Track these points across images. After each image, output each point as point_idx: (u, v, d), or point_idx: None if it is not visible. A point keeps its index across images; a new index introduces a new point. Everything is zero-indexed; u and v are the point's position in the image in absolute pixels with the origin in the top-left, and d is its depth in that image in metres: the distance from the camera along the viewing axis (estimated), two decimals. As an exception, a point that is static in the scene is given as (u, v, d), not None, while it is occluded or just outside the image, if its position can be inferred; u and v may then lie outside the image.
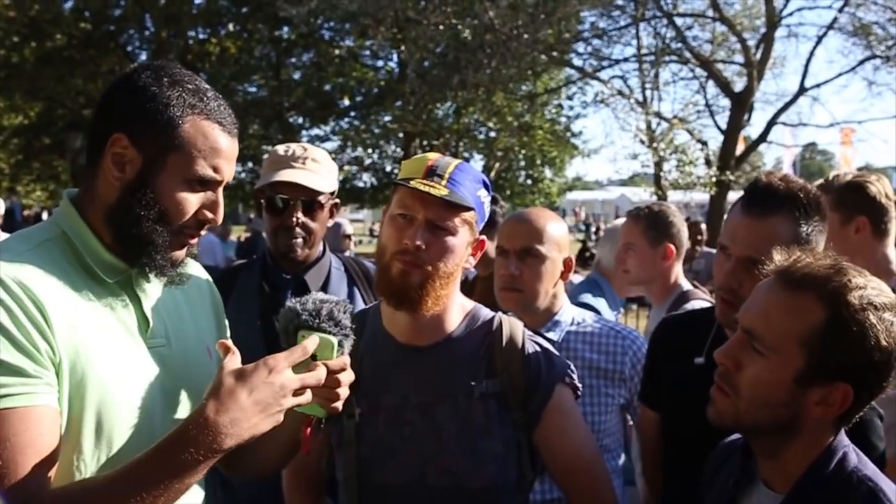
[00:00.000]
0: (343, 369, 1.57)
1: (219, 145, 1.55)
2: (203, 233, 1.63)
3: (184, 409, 1.62)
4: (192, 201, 1.54)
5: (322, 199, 2.61)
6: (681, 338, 2.25)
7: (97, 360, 1.45)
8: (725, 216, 2.22)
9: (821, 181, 2.97)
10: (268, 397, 1.42)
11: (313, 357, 1.52)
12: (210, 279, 1.91)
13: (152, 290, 1.63)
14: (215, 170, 1.55)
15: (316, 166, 2.61)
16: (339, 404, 1.58)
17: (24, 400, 1.34)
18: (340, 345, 1.56)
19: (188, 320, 1.73)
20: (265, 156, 2.88)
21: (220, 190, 1.59)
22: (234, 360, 1.45)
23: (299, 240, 2.61)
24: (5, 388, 1.33)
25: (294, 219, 2.59)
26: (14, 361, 1.34)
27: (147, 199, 1.51)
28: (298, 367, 1.51)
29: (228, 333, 1.89)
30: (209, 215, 1.58)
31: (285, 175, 2.56)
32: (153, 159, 1.51)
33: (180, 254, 1.59)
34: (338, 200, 2.74)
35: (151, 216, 1.51)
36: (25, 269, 1.42)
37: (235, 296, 2.67)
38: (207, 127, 1.54)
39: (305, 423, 1.63)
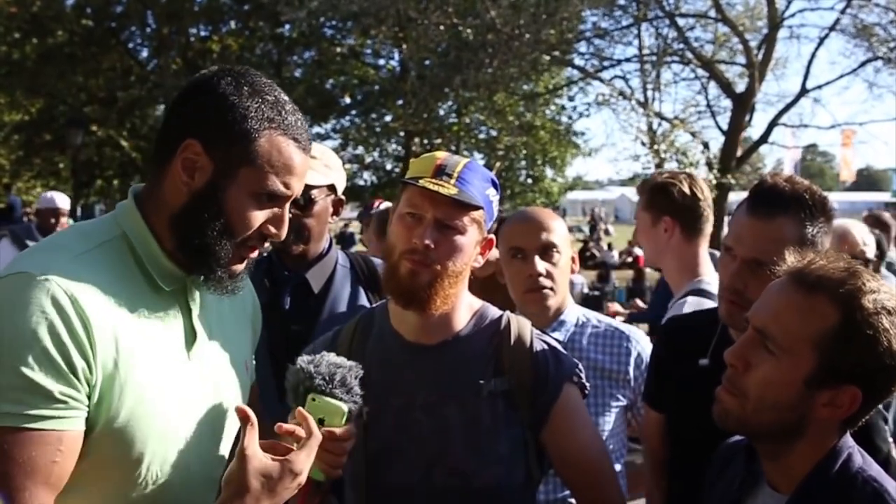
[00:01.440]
0: (350, 438, 1.57)
1: (293, 162, 1.52)
2: (266, 245, 1.60)
3: (217, 424, 1.60)
4: (258, 216, 1.51)
5: (315, 193, 2.56)
6: (685, 339, 2.25)
7: (137, 373, 1.42)
8: (728, 217, 2.23)
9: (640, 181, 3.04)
10: (286, 496, 1.44)
11: (320, 422, 1.51)
12: (253, 290, 1.88)
13: (202, 301, 1.60)
14: (286, 186, 1.52)
15: (313, 162, 2.56)
16: (339, 472, 1.59)
17: (45, 423, 1.32)
18: (349, 412, 1.56)
19: (230, 334, 1.70)
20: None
21: (287, 206, 1.56)
22: (253, 444, 1.43)
23: (290, 236, 2.59)
24: (28, 408, 1.31)
25: (291, 214, 2.57)
26: (41, 382, 1.31)
27: (214, 210, 1.48)
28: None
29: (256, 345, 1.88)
30: (273, 230, 1.55)
31: None
32: (225, 170, 1.47)
33: (239, 267, 1.56)
34: (342, 197, 2.70)
35: (217, 227, 1.48)
36: (78, 277, 1.38)
37: None
38: (283, 143, 1.50)
39: (304, 486, 1.64)
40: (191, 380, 1.54)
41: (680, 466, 2.22)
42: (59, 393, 1.32)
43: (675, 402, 2.22)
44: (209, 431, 1.57)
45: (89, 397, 1.37)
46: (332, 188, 2.62)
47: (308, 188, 2.55)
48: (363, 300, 2.67)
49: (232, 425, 1.66)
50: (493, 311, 1.98)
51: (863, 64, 16.40)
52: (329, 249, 2.71)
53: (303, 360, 1.58)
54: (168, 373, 1.49)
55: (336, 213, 2.68)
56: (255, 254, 1.57)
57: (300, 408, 1.54)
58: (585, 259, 23.67)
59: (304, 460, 1.44)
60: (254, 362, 1.84)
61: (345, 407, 1.55)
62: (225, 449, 1.64)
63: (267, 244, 1.59)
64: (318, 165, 2.59)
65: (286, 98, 1.55)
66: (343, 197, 2.72)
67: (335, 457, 1.56)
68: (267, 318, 2.51)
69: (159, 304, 1.51)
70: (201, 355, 1.58)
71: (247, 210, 1.50)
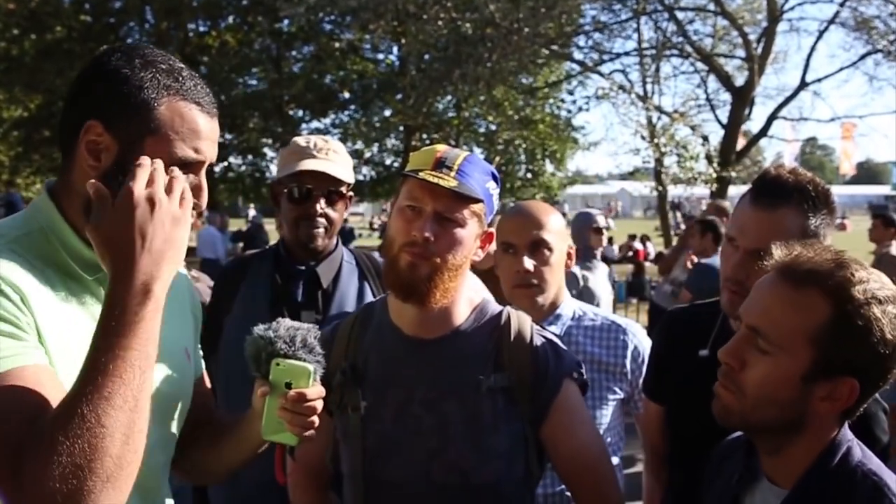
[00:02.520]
0: (319, 397, 1.55)
1: (198, 126, 1.48)
2: (200, 223, 1.56)
3: (162, 410, 1.56)
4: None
5: (343, 189, 2.63)
6: (685, 331, 2.24)
7: (68, 357, 1.39)
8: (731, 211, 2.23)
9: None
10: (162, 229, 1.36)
11: (287, 385, 1.50)
12: (188, 277, 1.85)
13: None
14: (196, 151, 1.48)
15: (336, 157, 2.63)
16: (311, 432, 1.56)
17: (20, 361, 1.29)
18: (315, 372, 1.54)
19: (167, 321, 1.63)
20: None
21: (203, 172, 1.53)
22: None
23: (321, 229, 2.61)
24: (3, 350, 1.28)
25: (317, 208, 2.60)
26: (4, 328, 1.29)
27: None
28: (274, 398, 1.49)
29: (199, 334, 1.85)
30: (193, 200, 1.50)
31: (310, 164, 2.57)
32: (130, 145, 1.43)
33: None
34: (352, 194, 2.74)
35: None
36: (3, 264, 1.35)
37: (246, 285, 2.68)
38: (184, 107, 1.46)
39: (278, 451, 1.63)
40: None
41: (679, 459, 2.22)
42: (21, 335, 1.30)
43: (675, 395, 2.21)
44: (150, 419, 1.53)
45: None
46: (349, 185, 2.68)
47: (338, 184, 2.61)
48: (369, 296, 2.69)
49: (172, 411, 1.63)
50: (493, 306, 1.98)
51: (862, 57, 16.41)
52: (336, 245, 2.74)
53: (259, 329, 1.56)
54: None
55: (347, 207, 2.73)
56: None
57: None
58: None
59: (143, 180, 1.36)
60: (199, 352, 1.82)
61: (310, 367, 1.53)
62: (158, 433, 1.58)
63: (201, 222, 1.55)
64: (342, 162, 2.64)
65: (182, 66, 1.51)
66: (352, 193, 2.77)
67: (306, 418, 1.54)
68: (276, 310, 2.54)
69: (84, 291, 1.48)
70: None
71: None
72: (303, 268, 2.67)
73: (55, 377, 1.33)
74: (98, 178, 1.42)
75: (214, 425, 1.79)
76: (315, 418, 1.56)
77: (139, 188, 1.36)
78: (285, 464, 1.67)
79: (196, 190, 1.50)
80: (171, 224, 1.37)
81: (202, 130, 1.49)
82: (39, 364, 1.32)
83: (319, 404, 1.56)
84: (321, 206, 2.60)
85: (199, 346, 1.84)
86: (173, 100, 1.46)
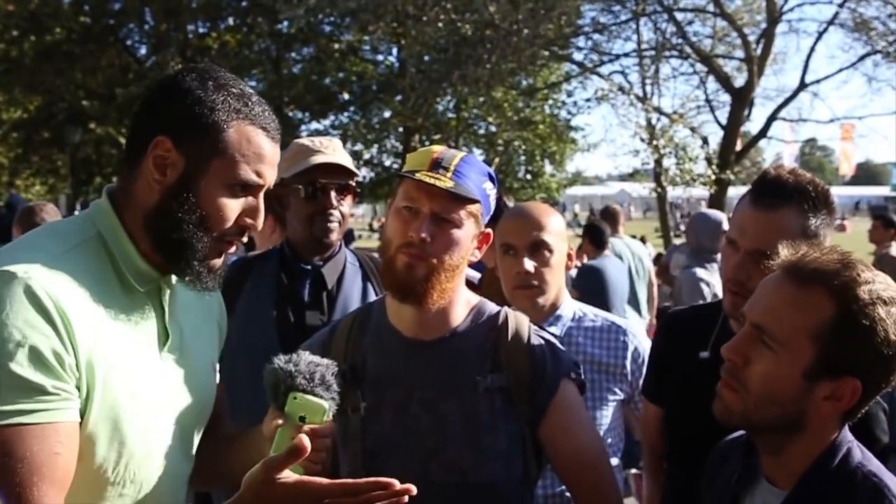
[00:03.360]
0: (330, 435, 1.57)
1: (263, 151, 1.53)
2: (244, 239, 1.62)
3: (185, 422, 1.61)
4: (233, 207, 1.52)
5: (353, 182, 2.65)
6: (685, 332, 2.24)
7: (115, 374, 1.44)
8: (731, 212, 2.23)
9: None
10: None
11: (301, 419, 1.52)
12: (219, 292, 1.87)
13: (175, 300, 1.61)
14: (258, 175, 1.53)
15: (342, 153, 2.65)
16: (319, 466, 1.57)
17: (40, 417, 1.32)
18: (329, 410, 1.57)
19: (200, 333, 1.72)
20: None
21: (262, 195, 1.57)
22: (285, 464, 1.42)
23: (335, 223, 2.61)
24: (21, 404, 1.31)
25: (332, 201, 2.60)
26: (32, 378, 1.31)
27: (189, 204, 1.48)
28: (287, 428, 1.51)
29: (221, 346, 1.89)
30: (249, 221, 1.55)
31: (321, 159, 2.58)
32: (196, 163, 1.48)
33: (218, 262, 1.56)
34: (359, 189, 2.76)
35: (192, 221, 1.49)
36: (57, 277, 1.39)
37: (250, 285, 2.67)
38: (252, 132, 1.52)
39: None
40: (162, 379, 1.55)
41: (679, 460, 2.21)
42: (51, 387, 1.33)
43: (674, 396, 2.21)
44: (178, 430, 1.59)
45: (78, 389, 1.38)
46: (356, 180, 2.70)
47: (351, 176, 2.64)
48: (372, 296, 2.68)
49: (198, 424, 1.68)
50: (491, 307, 1.98)
51: (862, 58, 16.42)
52: (340, 246, 2.74)
53: (280, 360, 1.58)
54: (142, 372, 1.50)
55: (353, 203, 2.75)
56: (232, 248, 1.59)
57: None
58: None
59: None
60: (217, 364, 1.85)
61: (326, 404, 1.55)
62: (186, 444, 1.65)
63: (252, 235, 1.62)
64: (348, 158, 2.66)
65: (251, 91, 1.57)
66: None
67: (316, 452, 1.53)
68: (282, 310, 2.52)
69: (134, 304, 1.52)
70: (172, 355, 1.59)
71: (221, 202, 1.51)
72: (308, 268, 2.66)
73: (74, 435, 1.37)
74: (162, 192, 1.49)
75: (224, 434, 1.82)
76: (324, 455, 1.57)
77: None
78: None
79: (254, 211, 1.55)
80: None
81: (266, 155, 1.54)
82: (61, 423, 1.35)
83: (329, 441, 1.58)
84: (335, 199, 2.60)
85: None
86: (242, 123, 1.51)
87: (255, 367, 1.63)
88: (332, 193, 2.60)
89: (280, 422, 1.52)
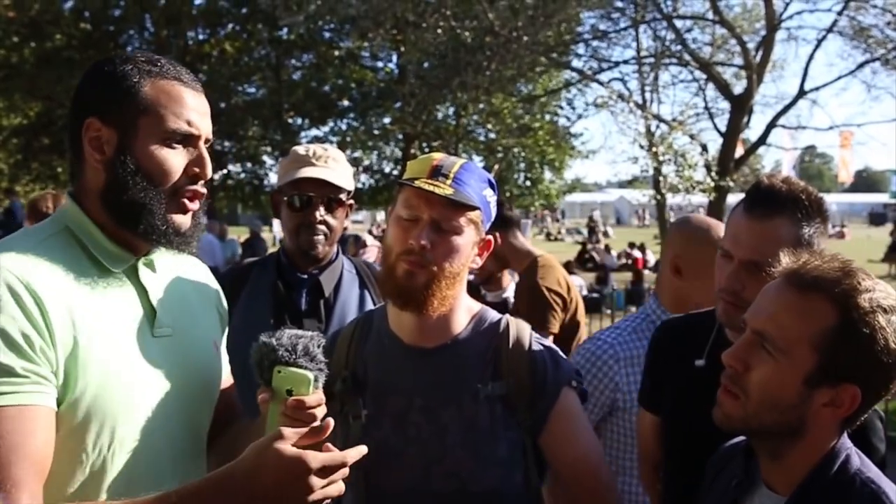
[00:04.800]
0: (319, 404, 1.56)
1: (183, 99, 1.59)
2: (204, 223, 1.67)
3: (184, 398, 1.64)
4: (174, 158, 1.57)
5: (343, 196, 2.64)
6: (680, 341, 2.24)
7: (99, 350, 1.47)
8: (725, 219, 2.22)
9: None
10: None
11: (288, 392, 1.53)
12: (213, 277, 1.92)
13: (159, 280, 1.65)
14: (189, 123, 1.58)
15: (336, 165, 2.64)
16: (321, 438, 1.55)
17: (12, 399, 1.35)
18: (316, 380, 1.57)
19: (196, 313, 1.75)
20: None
21: (202, 145, 1.62)
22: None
23: (321, 237, 2.62)
24: None
25: (317, 215, 2.60)
26: (5, 361, 1.35)
27: (130, 167, 1.54)
28: (276, 404, 1.52)
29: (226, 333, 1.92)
30: (196, 170, 1.60)
31: (308, 172, 2.58)
32: (125, 130, 1.55)
33: (183, 219, 1.61)
34: (352, 202, 2.75)
35: (138, 182, 1.54)
36: (29, 265, 1.44)
37: (247, 293, 2.68)
38: (167, 84, 1.58)
39: None
40: (157, 356, 1.59)
41: (675, 468, 2.21)
42: (20, 369, 1.36)
43: (670, 404, 2.21)
44: (176, 405, 1.61)
45: (55, 374, 1.41)
46: (349, 193, 2.68)
47: (337, 191, 2.62)
48: (369, 304, 2.70)
49: (204, 399, 1.72)
50: (492, 314, 1.98)
51: (860, 65, 16.40)
52: (337, 254, 2.75)
53: (264, 336, 1.59)
54: (131, 349, 1.54)
55: (346, 216, 2.74)
56: (194, 203, 1.63)
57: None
58: (584, 262, 23.71)
59: (318, 461, 1.40)
60: (224, 349, 1.88)
61: (310, 375, 1.55)
62: (193, 422, 1.69)
63: (204, 220, 1.67)
64: (343, 169, 2.65)
65: (160, 56, 1.64)
66: (353, 201, 2.76)
67: (307, 425, 1.52)
68: (278, 318, 2.53)
69: (112, 286, 1.56)
70: (167, 333, 1.63)
71: (160, 155, 1.56)
72: (305, 276, 2.68)
73: (49, 419, 1.40)
74: (105, 168, 1.55)
75: (236, 425, 1.85)
76: (316, 424, 1.54)
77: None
78: None
79: (199, 161, 1.60)
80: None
81: (189, 103, 1.60)
82: (35, 405, 1.37)
83: (320, 411, 1.56)
84: (321, 213, 2.60)
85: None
86: (155, 80, 1.57)
87: (252, 374, 1.63)
88: (320, 206, 2.60)
89: (266, 396, 1.53)
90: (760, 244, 1.89)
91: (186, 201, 1.60)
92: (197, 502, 1.36)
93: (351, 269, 2.78)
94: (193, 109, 1.60)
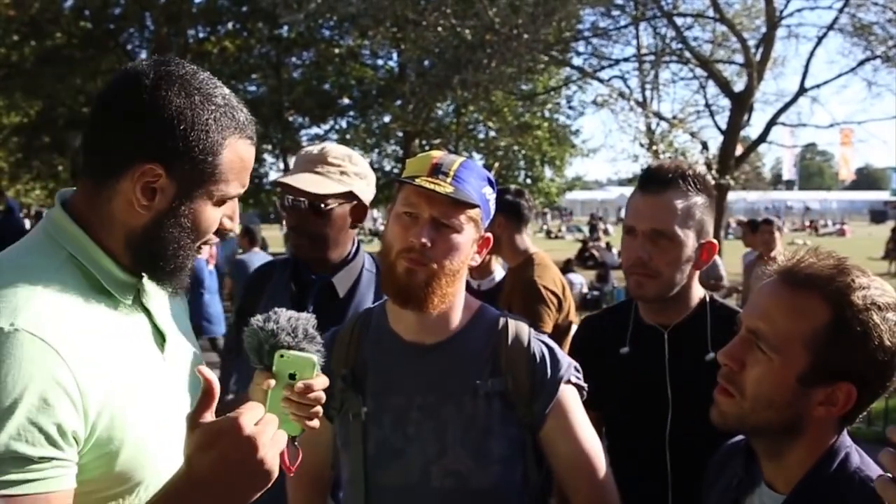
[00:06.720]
0: (324, 387, 1.54)
1: (249, 162, 1.50)
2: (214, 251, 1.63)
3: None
4: (219, 217, 1.50)
5: (330, 202, 2.55)
6: (602, 333, 2.34)
7: (132, 406, 1.39)
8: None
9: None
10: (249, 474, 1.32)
11: (291, 376, 1.50)
12: None
13: (153, 300, 1.58)
14: (243, 186, 1.51)
15: (327, 168, 2.56)
16: (315, 422, 1.55)
17: (25, 488, 1.24)
18: (318, 362, 1.55)
19: (181, 325, 1.70)
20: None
21: (236, 197, 1.55)
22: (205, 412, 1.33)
23: (305, 241, 2.58)
24: (12, 475, 1.22)
25: (294, 220, 2.57)
26: (27, 452, 1.23)
27: (181, 226, 1.44)
28: (277, 389, 1.49)
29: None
30: (230, 224, 1.54)
31: (288, 178, 2.54)
32: (189, 187, 1.42)
33: (191, 262, 1.54)
34: (365, 203, 2.64)
35: (185, 239, 1.46)
36: (50, 317, 1.29)
37: (268, 292, 2.67)
38: (242, 147, 1.47)
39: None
40: (168, 381, 1.53)
41: (621, 459, 2.21)
42: (47, 457, 1.26)
43: (609, 398, 2.22)
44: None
45: (80, 451, 1.32)
46: (349, 195, 2.58)
47: (317, 198, 2.53)
48: None
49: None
50: (492, 312, 1.98)
51: (861, 63, 16.39)
52: (356, 254, 2.69)
53: (258, 320, 1.55)
54: (149, 382, 1.46)
55: (359, 219, 2.64)
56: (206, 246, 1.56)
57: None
58: (585, 259, 23.71)
59: (253, 419, 1.30)
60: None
61: (315, 358, 1.52)
62: None
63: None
64: (334, 173, 2.56)
65: (229, 91, 1.50)
66: (366, 203, 2.65)
67: (311, 409, 1.53)
68: None
69: (125, 316, 1.47)
70: (172, 353, 1.57)
71: (210, 216, 1.48)
72: (314, 277, 2.64)
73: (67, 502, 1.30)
74: (151, 216, 1.41)
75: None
76: (319, 408, 1.55)
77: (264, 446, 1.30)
78: (291, 455, 1.67)
79: (231, 214, 1.54)
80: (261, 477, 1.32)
81: (250, 164, 1.52)
82: (45, 494, 1.26)
83: (323, 394, 1.55)
84: (304, 219, 2.55)
85: (226, 347, 1.87)
86: (233, 140, 1.45)
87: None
88: (302, 212, 2.54)
89: (272, 382, 1.48)
90: (657, 213, 2.11)
91: (202, 248, 1.54)
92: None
93: (371, 267, 2.72)
94: (250, 169, 1.52)
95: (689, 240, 2.11)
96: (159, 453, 1.44)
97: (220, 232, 1.54)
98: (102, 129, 1.41)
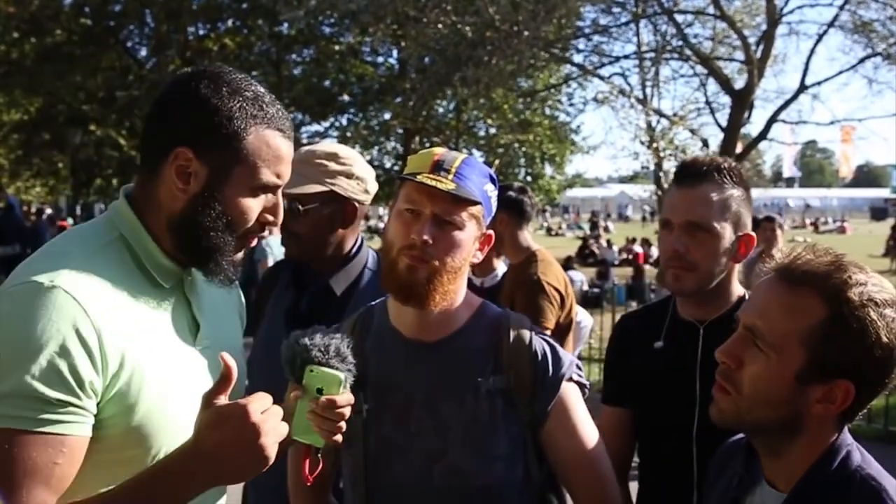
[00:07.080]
0: (348, 404, 1.62)
1: (280, 152, 1.59)
2: (265, 234, 1.67)
3: None
4: (255, 207, 1.58)
5: (308, 203, 2.48)
6: (638, 331, 2.33)
7: (153, 371, 1.48)
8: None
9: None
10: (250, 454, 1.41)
11: (318, 391, 1.59)
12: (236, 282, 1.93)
13: (197, 291, 1.67)
14: (278, 176, 1.59)
15: (308, 169, 2.48)
16: (338, 437, 1.62)
17: (44, 426, 1.35)
18: (346, 381, 1.63)
19: (226, 322, 1.78)
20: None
21: (280, 192, 1.63)
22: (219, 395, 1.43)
23: (291, 241, 2.57)
24: (32, 412, 1.34)
25: (284, 223, 2.54)
26: (49, 394, 1.35)
27: (215, 211, 1.54)
28: (305, 401, 1.57)
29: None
30: (271, 218, 1.62)
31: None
32: (219, 172, 1.53)
33: (239, 256, 1.63)
34: (356, 203, 2.56)
35: (219, 225, 1.55)
36: (85, 282, 1.42)
37: (277, 290, 2.69)
38: (270, 136, 1.57)
39: (304, 451, 1.69)
40: (200, 369, 1.61)
41: (651, 456, 2.22)
42: (64, 401, 1.36)
43: (638, 392, 2.23)
44: None
45: (98, 404, 1.42)
46: (330, 195, 2.51)
47: (293, 199, 2.45)
48: None
49: None
50: (493, 309, 1.98)
51: (862, 60, 16.35)
52: (357, 252, 2.64)
53: (296, 335, 1.65)
54: (180, 365, 1.56)
55: (349, 219, 2.57)
56: (254, 242, 1.65)
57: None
58: (585, 256, 23.72)
59: (259, 408, 1.39)
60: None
61: (342, 375, 1.62)
62: None
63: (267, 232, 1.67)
64: (314, 173, 2.49)
65: (263, 90, 1.62)
66: (358, 202, 2.57)
67: (335, 423, 1.60)
68: (290, 316, 2.53)
69: (161, 300, 1.58)
70: (206, 344, 1.65)
71: (245, 204, 1.57)
72: (316, 277, 2.61)
73: (76, 449, 1.39)
74: (187, 201, 1.54)
75: None
76: (343, 424, 1.62)
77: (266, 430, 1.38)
78: (312, 464, 1.71)
79: (274, 208, 1.62)
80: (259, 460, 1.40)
81: (284, 156, 1.60)
82: (60, 436, 1.37)
83: (348, 411, 1.62)
84: (286, 220, 2.42)
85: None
86: (260, 128, 1.56)
87: (273, 364, 1.68)
88: (286, 214, 2.50)
89: (298, 393, 1.58)
90: (694, 206, 2.10)
91: (249, 242, 1.63)
92: (164, 480, 1.39)
93: (374, 265, 2.67)
94: (285, 162, 1.60)
95: (727, 232, 2.09)
96: (178, 421, 1.51)
97: (263, 225, 1.62)
98: (149, 121, 1.58)
